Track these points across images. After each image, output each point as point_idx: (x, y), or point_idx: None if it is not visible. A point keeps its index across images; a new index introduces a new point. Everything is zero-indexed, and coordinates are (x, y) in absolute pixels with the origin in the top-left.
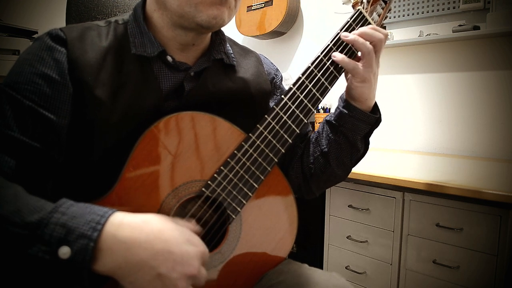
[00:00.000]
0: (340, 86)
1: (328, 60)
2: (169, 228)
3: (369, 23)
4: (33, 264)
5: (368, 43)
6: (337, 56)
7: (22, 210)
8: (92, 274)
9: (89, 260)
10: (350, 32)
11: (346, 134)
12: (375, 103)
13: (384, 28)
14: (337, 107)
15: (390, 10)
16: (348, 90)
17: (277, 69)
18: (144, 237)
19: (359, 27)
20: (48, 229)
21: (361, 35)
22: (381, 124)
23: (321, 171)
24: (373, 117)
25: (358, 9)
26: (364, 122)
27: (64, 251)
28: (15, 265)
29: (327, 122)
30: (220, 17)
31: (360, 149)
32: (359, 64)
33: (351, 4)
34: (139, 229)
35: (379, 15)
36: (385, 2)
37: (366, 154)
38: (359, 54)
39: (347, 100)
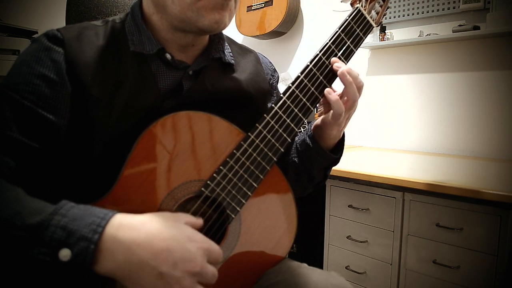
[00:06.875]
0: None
1: (327, 59)
2: (169, 226)
3: (368, 21)
4: (34, 266)
5: (357, 92)
6: (331, 95)
7: (23, 213)
8: (93, 275)
9: (90, 263)
10: (347, 34)
11: (305, 160)
12: (342, 142)
13: (384, 28)
14: (305, 133)
15: (388, 7)
16: (318, 127)
17: (274, 70)
18: (143, 237)
19: (358, 25)
20: (49, 231)
21: (353, 78)
22: (381, 123)
23: None
24: (332, 157)
25: (357, 7)
26: (323, 158)
27: (65, 254)
28: (16, 266)
29: (295, 142)
30: (222, 21)
31: (315, 178)
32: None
33: (350, 1)
34: (138, 229)
35: (377, 13)
36: (383, 0)
37: (325, 182)
38: (344, 97)
39: (313, 133)
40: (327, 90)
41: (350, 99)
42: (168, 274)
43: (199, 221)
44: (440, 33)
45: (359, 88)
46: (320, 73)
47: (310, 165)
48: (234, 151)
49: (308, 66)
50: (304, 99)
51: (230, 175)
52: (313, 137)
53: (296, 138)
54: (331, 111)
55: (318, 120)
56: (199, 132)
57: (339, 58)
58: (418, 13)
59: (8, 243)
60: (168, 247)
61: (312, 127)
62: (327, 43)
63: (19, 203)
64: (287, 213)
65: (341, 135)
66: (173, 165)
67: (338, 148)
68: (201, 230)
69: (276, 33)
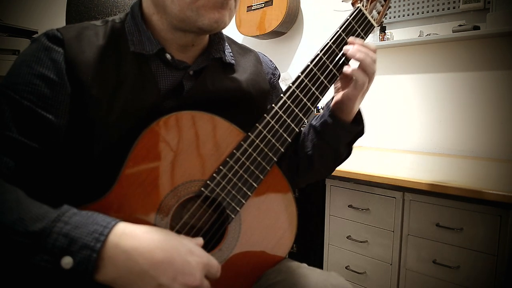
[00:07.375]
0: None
1: (327, 59)
2: (170, 238)
3: (369, 21)
4: (36, 272)
5: (374, 64)
6: (350, 69)
7: (25, 219)
8: (94, 283)
9: (92, 271)
10: (350, 33)
11: (329, 141)
12: (360, 113)
13: (384, 28)
14: (322, 115)
15: (389, 7)
16: (339, 103)
17: (275, 68)
18: (145, 246)
19: (359, 25)
20: (51, 238)
21: (366, 52)
22: (381, 123)
23: (305, 171)
24: (356, 128)
25: (358, 7)
26: (347, 132)
27: (67, 261)
28: (18, 273)
29: (312, 127)
30: (222, 20)
31: (342, 154)
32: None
33: (351, 1)
34: (140, 238)
35: (378, 13)
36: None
37: (350, 156)
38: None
39: (332, 110)
40: (345, 67)
41: (368, 72)
42: (167, 285)
43: (200, 241)
44: (440, 33)
45: (374, 61)
46: (320, 73)
47: (336, 143)
48: (234, 151)
49: (308, 66)
50: (305, 99)
51: (230, 175)
52: (334, 116)
53: (313, 122)
54: (352, 85)
55: (339, 96)
56: (200, 132)
57: (339, 58)
58: (418, 13)
59: (11, 249)
60: (169, 258)
61: (332, 105)
62: (328, 42)
63: (20, 207)
64: (287, 213)
65: (357, 109)
66: (174, 165)
67: (359, 121)
68: (201, 230)
69: (276, 33)
